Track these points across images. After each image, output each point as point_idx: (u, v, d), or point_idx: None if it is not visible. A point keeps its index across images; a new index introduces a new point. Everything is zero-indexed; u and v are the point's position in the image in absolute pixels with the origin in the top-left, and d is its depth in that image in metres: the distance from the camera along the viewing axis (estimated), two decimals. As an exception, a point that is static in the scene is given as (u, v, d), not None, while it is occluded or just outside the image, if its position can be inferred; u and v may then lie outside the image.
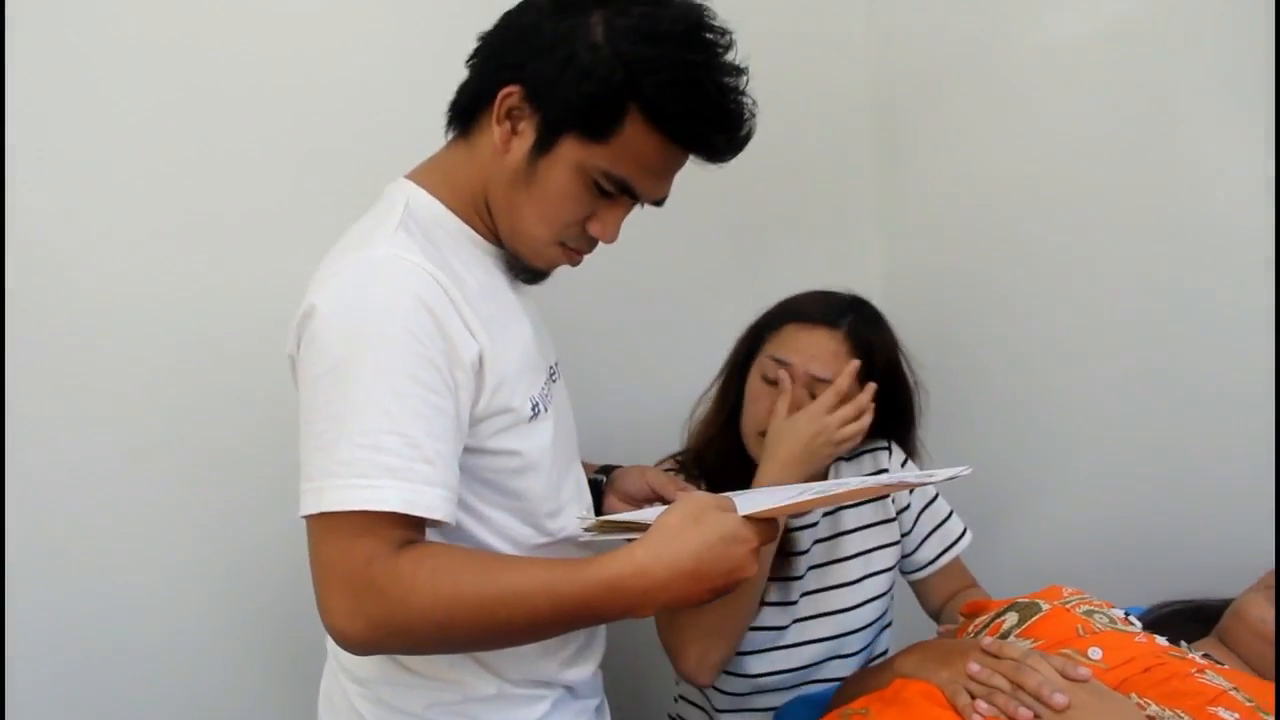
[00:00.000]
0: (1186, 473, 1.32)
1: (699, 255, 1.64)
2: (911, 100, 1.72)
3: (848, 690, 1.05)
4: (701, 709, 1.32)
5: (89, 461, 1.24)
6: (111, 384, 1.25)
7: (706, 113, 0.85)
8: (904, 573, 1.33)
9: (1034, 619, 0.99)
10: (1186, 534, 1.32)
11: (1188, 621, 1.09)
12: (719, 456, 1.25)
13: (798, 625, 1.23)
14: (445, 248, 0.88)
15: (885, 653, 1.32)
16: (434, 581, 0.76)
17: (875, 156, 1.79)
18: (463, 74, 0.93)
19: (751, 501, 0.86)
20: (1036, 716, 0.82)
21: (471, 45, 0.92)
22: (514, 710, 0.95)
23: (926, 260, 1.74)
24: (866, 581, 1.25)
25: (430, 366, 0.79)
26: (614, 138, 0.85)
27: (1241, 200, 1.22)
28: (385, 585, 0.75)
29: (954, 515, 1.32)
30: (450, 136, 0.95)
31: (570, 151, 0.86)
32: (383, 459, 0.76)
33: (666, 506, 0.84)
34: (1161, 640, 0.96)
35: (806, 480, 1.10)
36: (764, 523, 0.83)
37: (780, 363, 1.18)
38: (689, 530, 0.79)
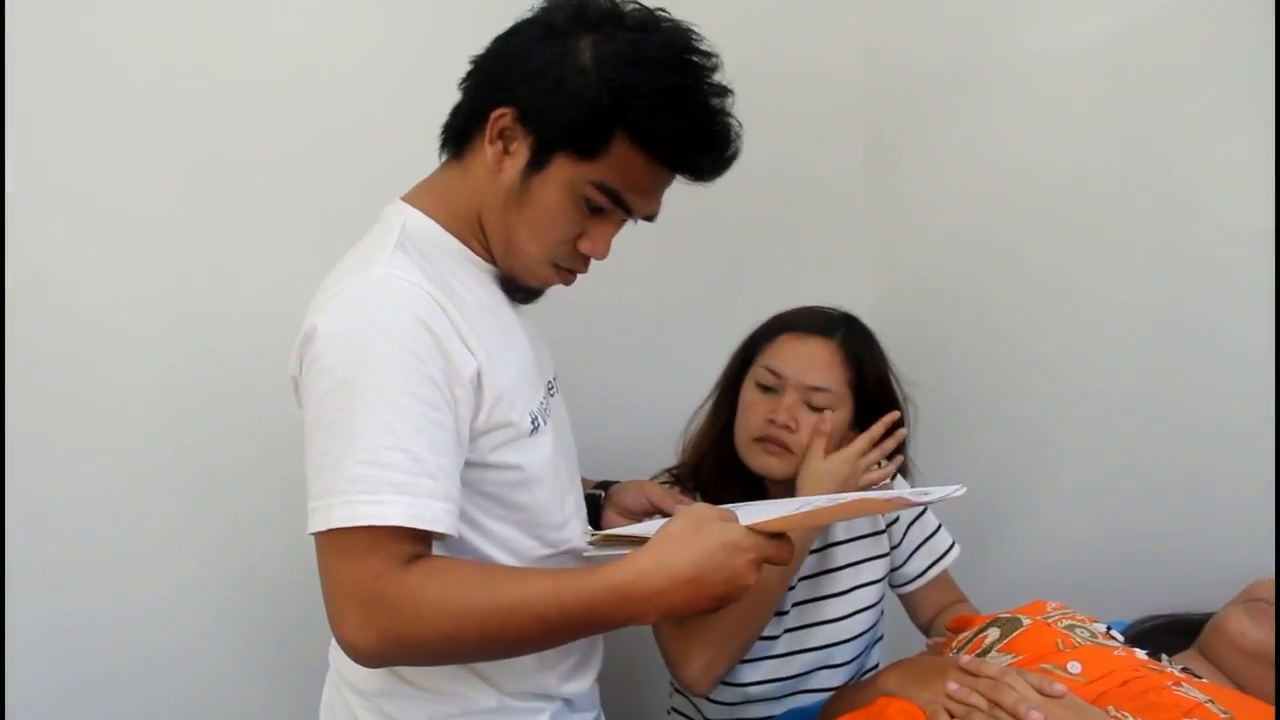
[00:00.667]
0: (1171, 489, 1.34)
1: (692, 273, 1.66)
2: (902, 120, 1.73)
3: (833, 707, 1.07)
4: (693, 720, 1.34)
5: (90, 477, 1.25)
6: (112, 402, 1.26)
7: (692, 136, 0.88)
8: (893, 586, 1.35)
9: (1015, 634, 1.01)
10: (1171, 549, 1.34)
11: (1169, 635, 1.11)
12: (714, 469, 1.27)
13: (789, 635, 1.25)
14: (442, 267, 0.90)
15: (876, 666, 1.34)
16: (443, 594, 0.78)
17: (866, 175, 1.80)
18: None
19: (754, 514, 0.88)
20: None
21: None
22: None
23: (917, 277, 1.75)
24: (856, 592, 1.27)
25: (430, 383, 0.81)
26: (603, 157, 0.87)
27: (1232, 216, 1.23)
28: (395, 599, 0.77)
29: (942, 529, 1.34)
30: (444, 158, 0.97)
31: (561, 170, 0.88)
32: (387, 475, 0.78)
33: (666, 519, 0.86)
34: (1141, 654, 0.98)
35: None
36: (774, 540, 0.84)
37: (775, 373, 1.21)
38: (690, 539, 0.81)
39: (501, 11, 0.93)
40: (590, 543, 0.98)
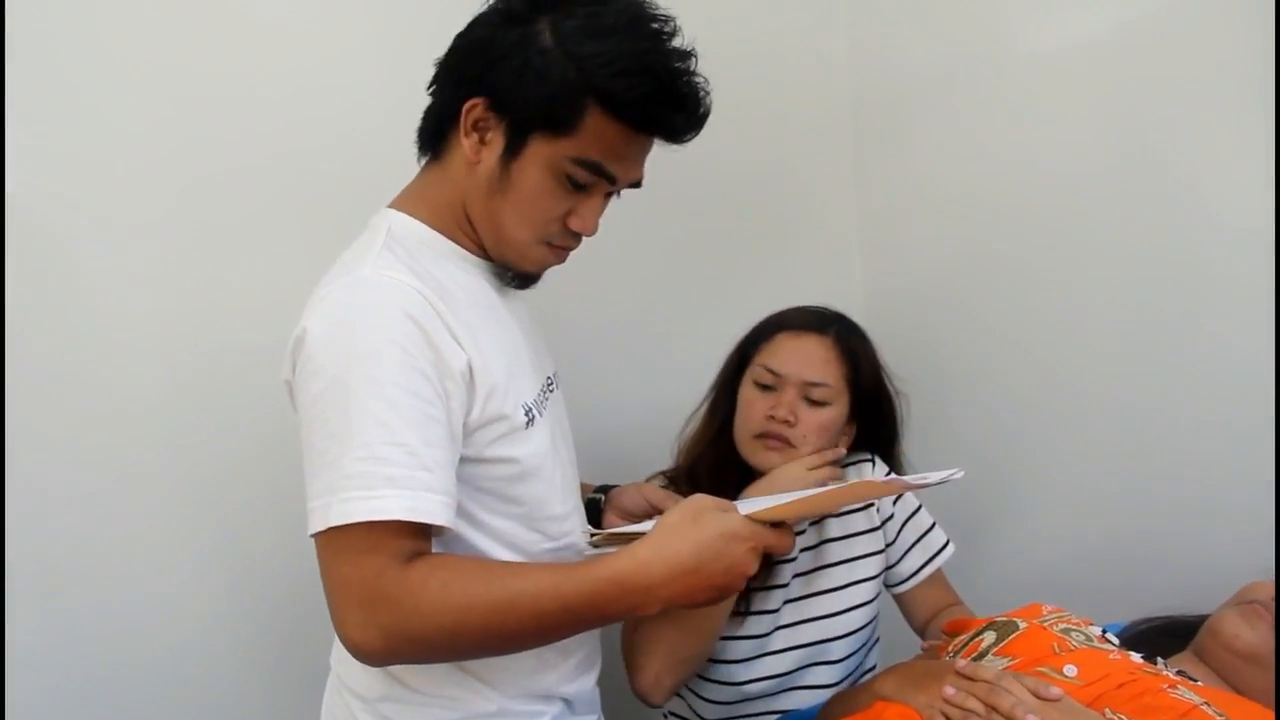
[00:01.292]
0: (1166, 489, 1.34)
1: (682, 274, 1.66)
2: (892, 118, 1.73)
3: (829, 711, 1.07)
4: (689, 723, 1.35)
5: (90, 477, 1.26)
6: (112, 402, 1.26)
7: (661, 95, 0.88)
8: (889, 586, 1.35)
9: (1011, 637, 1.01)
10: (1166, 550, 1.34)
11: (1165, 637, 1.12)
12: (711, 469, 1.28)
13: (782, 631, 1.26)
14: (430, 264, 0.91)
15: (874, 668, 1.34)
16: (444, 590, 0.79)
17: (856, 174, 1.81)
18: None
19: (752, 504, 0.89)
20: None
21: None
22: None
23: (908, 276, 1.76)
24: (851, 588, 1.28)
25: (421, 377, 0.82)
26: (578, 131, 0.88)
27: (1223, 217, 1.23)
28: (397, 596, 0.78)
29: (937, 527, 1.35)
30: (423, 161, 0.98)
31: (539, 150, 0.89)
32: (383, 469, 0.79)
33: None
34: (1136, 657, 0.99)
35: None
36: (773, 528, 0.85)
37: (773, 371, 1.22)
38: (689, 528, 0.82)
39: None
40: (590, 542, 0.99)
